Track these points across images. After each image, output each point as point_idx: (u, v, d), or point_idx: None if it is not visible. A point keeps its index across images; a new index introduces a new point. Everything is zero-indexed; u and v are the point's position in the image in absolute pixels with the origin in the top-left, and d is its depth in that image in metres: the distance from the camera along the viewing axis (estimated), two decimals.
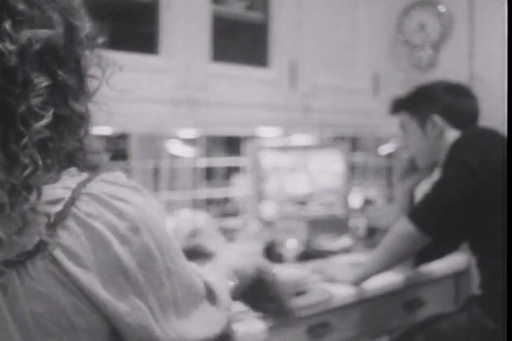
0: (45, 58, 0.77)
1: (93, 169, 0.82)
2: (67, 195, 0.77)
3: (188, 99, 2.07)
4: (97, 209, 0.77)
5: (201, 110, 2.12)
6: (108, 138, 2.24)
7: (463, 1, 2.84)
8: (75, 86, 0.80)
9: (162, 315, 0.81)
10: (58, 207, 0.76)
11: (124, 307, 0.78)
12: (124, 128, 2.16)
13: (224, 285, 0.98)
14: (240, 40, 2.39)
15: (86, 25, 0.82)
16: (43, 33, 0.76)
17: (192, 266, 0.89)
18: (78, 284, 0.75)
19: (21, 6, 0.75)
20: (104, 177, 0.80)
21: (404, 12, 2.96)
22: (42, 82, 0.75)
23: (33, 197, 0.75)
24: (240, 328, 1.67)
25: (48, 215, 0.76)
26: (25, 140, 0.74)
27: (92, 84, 0.84)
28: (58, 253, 0.75)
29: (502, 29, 2.59)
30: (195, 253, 1.60)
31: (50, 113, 0.76)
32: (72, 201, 0.76)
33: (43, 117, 0.75)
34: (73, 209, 0.76)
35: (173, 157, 2.48)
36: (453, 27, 2.87)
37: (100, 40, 0.85)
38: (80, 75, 0.81)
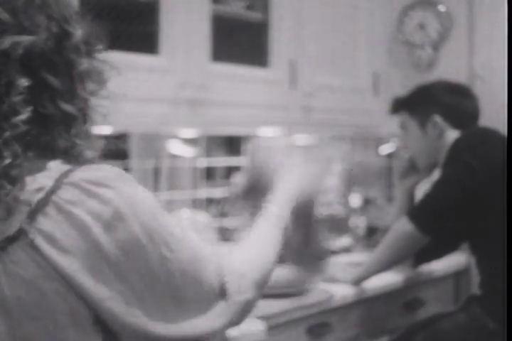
0: (32, 61, 0.80)
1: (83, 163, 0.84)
2: (49, 183, 0.79)
3: (188, 98, 2.07)
4: (79, 196, 0.78)
5: (201, 110, 2.12)
6: (108, 138, 2.24)
7: (463, 1, 2.84)
8: (64, 88, 0.83)
9: (154, 305, 0.82)
10: (40, 195, 0.78)
11: (103, 292, 0.79)
12: (124, 128, 2.17)
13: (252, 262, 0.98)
14: (240, 40, 2.39)
15: (80, 32, 0.84)
16: (27, 39, 0.79)
17: (205, 248, 0.88)
18: (58, 268, 0.77)
19: (4, 16, 0.79)
20: (87, 166, 0.82)
21: (404, 12, 2.96)
22: (24, 82, 0.78)
23: (15, 187, 0.77)
24: (239, 328, 1.68)
25: (29, 203, 0.78)
26: (6, 134, 0.77)
27: (90, 87, 0.87)
28: (38, 239, 0.77)
29: (502, 29, 2.59)
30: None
31: (29, 109, 0.79)
32: (54, 189, 0.79)
33: (22, 113, 0.78)
34: (54, 197, 0.78)
35: (173, 157, 2.48)
36: (453, 27, 2.87)
37: (100, 46, 0.88)
38: (72, 78, 0.84)
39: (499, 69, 2.67)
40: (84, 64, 0.85)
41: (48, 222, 0.77)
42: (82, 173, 0.80)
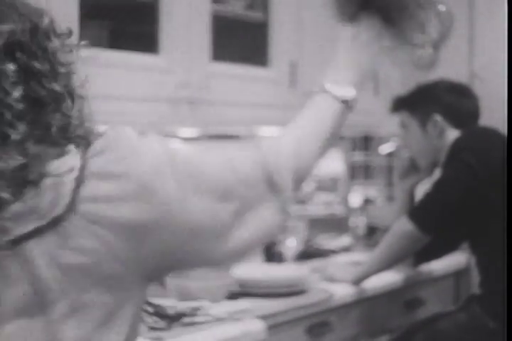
0: (13, 50, 0.85)
1: (87, 141, 0.88)
2: (77, 164, 0.84)
3: (188, 98, 2.07)
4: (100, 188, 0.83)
5: (201, 109, 2.12)
6: None
7: (463, 1, 2.84)
8: (47, 70, 0.88)
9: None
10: (74, 174, 0.83)
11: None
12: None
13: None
14: (240, 40, 2.39)
15: (47, 20, 0.90)
16: (7, 27, 0.85)
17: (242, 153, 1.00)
18: (118, 226, 0.82)
19: None
20: (101, 147, 0.86)
21: None
22: (11, 67, 0.84)
23: (39, 166, 0.82)
24: (239, 328, 1.68)
25: (65, 183, 0.82)
26: (7, 115, 0.82)
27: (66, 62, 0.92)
28: (89, 207, 0.82)
29: (502, 29, 2.59)
30: None
31: (20, 88, 0.84)
32: (83, 168, 0.84)
33: (13, 92, 0.83)
34: (86, 173, 0.83)
35: None
36: (453, 27, 2.87)
37: (66, 31, 0.93)
38: (50, 61, 0.89)
39: (499, 69, 2.67)
40: (55, 43, 0.90)
41: (90, 189, 0.83)
42: (99, 160, 0.85)
